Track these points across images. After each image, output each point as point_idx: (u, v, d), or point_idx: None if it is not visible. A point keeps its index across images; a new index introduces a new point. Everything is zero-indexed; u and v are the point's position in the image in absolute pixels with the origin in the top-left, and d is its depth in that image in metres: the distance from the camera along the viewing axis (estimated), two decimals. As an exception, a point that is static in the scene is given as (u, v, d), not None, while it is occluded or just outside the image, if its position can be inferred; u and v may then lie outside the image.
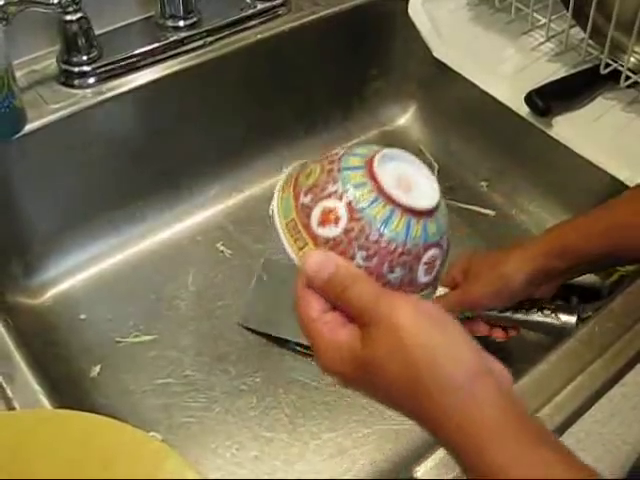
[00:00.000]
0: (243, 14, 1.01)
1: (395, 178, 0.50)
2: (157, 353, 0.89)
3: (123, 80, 0.93)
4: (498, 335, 0.83)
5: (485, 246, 1.00)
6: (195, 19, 0.98)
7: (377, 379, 0.47)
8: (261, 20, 1.03)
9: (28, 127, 0.87)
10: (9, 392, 0.65)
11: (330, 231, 0.50)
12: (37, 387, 0.67)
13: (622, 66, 0.91)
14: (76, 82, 0.92)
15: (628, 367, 0.68)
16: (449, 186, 1.07)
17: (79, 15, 0.88)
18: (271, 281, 0.96)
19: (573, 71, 0.96)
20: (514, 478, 0.43)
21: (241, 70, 1.02)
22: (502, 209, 1.05)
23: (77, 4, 0.86)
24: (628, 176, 0.86)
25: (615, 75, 0.92)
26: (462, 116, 1.08)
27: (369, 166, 0.51)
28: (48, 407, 0.65)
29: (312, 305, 0.50)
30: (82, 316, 0.92)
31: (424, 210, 0.50)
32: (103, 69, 0.92)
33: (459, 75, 1.00)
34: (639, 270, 0.86)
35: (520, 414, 0.45)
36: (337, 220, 0.49)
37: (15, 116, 0.86)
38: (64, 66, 0.91)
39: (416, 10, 1.05)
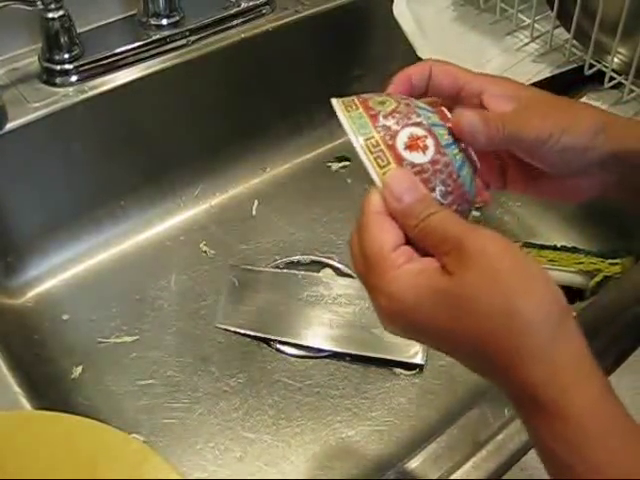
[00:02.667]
0: (226, 13, 1.01)
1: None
2: (139, 354, 0.89)
3: (105, 79, 0.92)
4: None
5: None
6: (178, 17, 0.98)
7: (463, 312, 0.43)
8: (245, 19, 1.02)
9: (9, 126, 0.86)
10: (-12, 394, 0.65)
11: (417, 157, 0.48)
12: (17, 389, 0.66)
13: (606, 67, 0.91)
14: (58, 80, 0.91)
15: (611, 369, 0.68)
16: (433, 187, 1.07)
17: (61, 13, 0.87)
18: (243, 287, 0.95)
19: (557, 71, 0.96)
20: (591, 425, 0.41)
21: (224, 69, 1.01)
22: (487, 210, 1.05)
23: (59, 2, 0.86)
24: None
25: (599, 76, 0.93)
26: (446, 116, 1.08)
27: (441, 112, 0.52)
28: (28, 408, 0.64)
29: (388, 232, 0.46)
30: (64, 317, 0.91)
31: (478, 168, 0.52)
32: (85, 67, 0.92)
33: (443, 75, 1.00)
34: (622, 272, 0.86)
35: (595, 365, 0.43)
36: (425, 148, 0.49)
37: (-5, 114, 0.85)
38: (46, 64, 0.91)
39: (400, 10, 1.05)
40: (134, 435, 0.80)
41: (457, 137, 0.50)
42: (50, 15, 0.87)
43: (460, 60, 0.98)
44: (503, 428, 0.62)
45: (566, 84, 0.95)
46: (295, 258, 0.99)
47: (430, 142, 0.49)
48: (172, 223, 1.03)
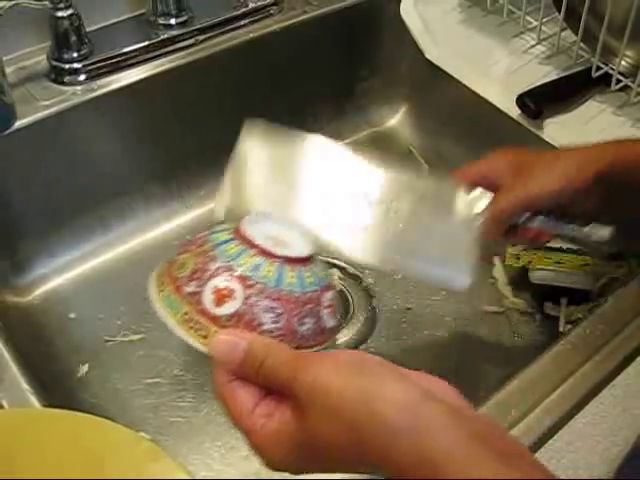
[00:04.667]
0: (235, 13, 1.01)
1: (268, 237, 0.51)
2: (146, 352, 0.89)
3: (114, 77, 0.93)
4: (544, 238, 0.78)
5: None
6: (186, 17, 0.98)
7: (321, 451, 0.45)
8: (253, 19, 1.03)
9: (17, 124, 0.87)
10: (-2, 392, 0.65)
11: (230, 306, 0.48)
12: (26, 386, 0.66)
13: (613, 69, 0.91)
14: (66, 79, 0.91)
15: (618, 370, 0.68)
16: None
17: (70, 12, 0.87)
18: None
19: (564, 74, 0.96)
20: None
21: (232, 69, 1.01)
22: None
23: (68, 1, 0.86)
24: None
25: (606, 78, 0.93)
26: (453, 118, 1.08)
27: (239, 234, 0.51)
28: (37, 406, 0.65)
29: (242, 401, 0.48)
30: (71, 315, 0.92)
31: (307, 257, 0.51)
32: (94, 66, 0.92)
33: (450, 77, 1.00)
34: (629, 273, 0.87)
35: (475, 430, 0.42)
36: (232, 293, 0.48)
37: (4, 112, 0.85)
38: (54, 63, 0.91)
39: (408, 11, 1.05)
40: (140, 433, 0.80)
41: (265, 251, 0.50)
42: (59, 14, 0.87)
43: (467, 61, 0.99)
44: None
45: (573, 86, 0.96)
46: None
47: (234, 284, 0.48)
48: (179, 222, 1.03)
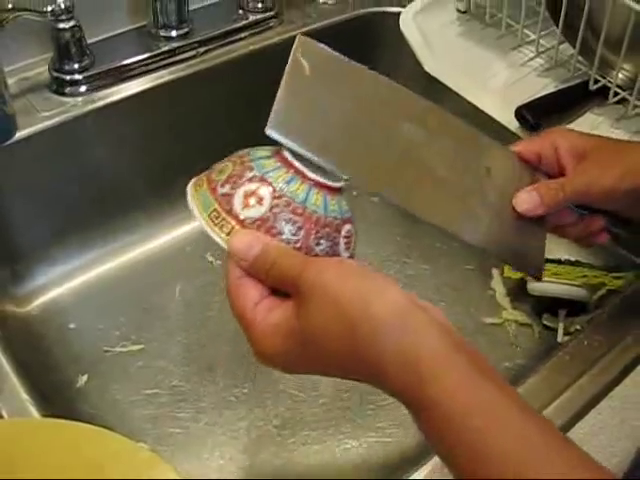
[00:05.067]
0: (235, 25, 1.02)
1: (306, 163, 0.54)
2: (145, 363, 0.89)
3: (114, 89, 0.93)
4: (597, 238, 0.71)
5: (472, 261, 1.00)
6: (187, 29, 0.98)
7: (316, 346, 0.47)
8: (253, 31, 1.03)
9: (18, 135, 0.87)
10: (-3, 402, 0.65)
11: (256, 211, 0.52)
12: (25, 396, 0.67)
13: (610, 82, 0.92)
14: (67, 90, 0.92)
15: (616, 381, 0.68)
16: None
17: (72, 23, 0.87)
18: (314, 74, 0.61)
19: (562, 86, 0.96)
20: (454, 410, 0.43)
21: (233, 81, 1.02)
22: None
23: (70, 12, 0.86)
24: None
25: (604, 91, 0.93)
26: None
27: (279, 154, 0.55)
28: (36, 416, 0.65)
29: (248, 295, 0.51)
30: (70, 325, 0.92)
31: (336, 188, 0.55)
32: (94, 78, 0.92)
33: (449, 89, 1.00)
34: (627, 285, 0.87)
35: (458, 343, 0.46)
36: (260, 200, 0.52)
37: (6, 123, 0.86)
38: (56, 74, 0.91)
39: (407, 24, 1.05)
40: (139, 444, 0.80)
41: (298, 171, 0.54)
42: (61, 26, 0.87)
43: (466, 74, 1.00)
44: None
45: (571, 99, 0.96)
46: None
47: (265, 191, 0.52)
48: (179, 234, 1.03)
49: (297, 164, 0.54)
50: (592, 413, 0.66)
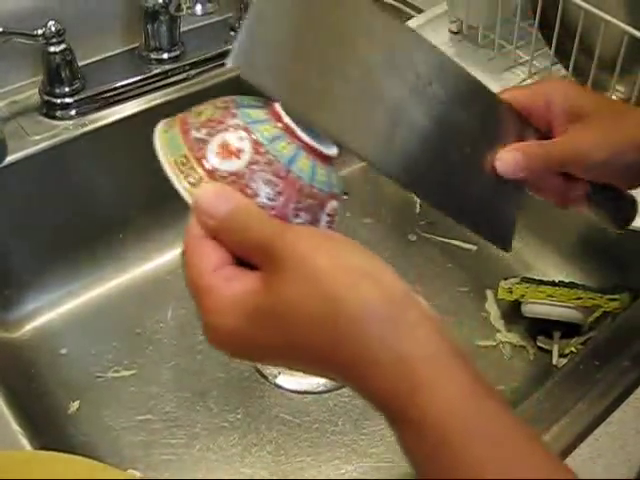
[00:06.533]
0: (226, 47, 1.02)
1: (298, 121, 0.47)
2: (137, 389, 0.88)
3: (106, 112, 0.93)
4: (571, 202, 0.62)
5: (466, 282, 1.00)
6: (179, 52, 0.98)
7: (286, 327, 0.39)
8: (245, 53, 1.03)
9: (9, 158, 0.86)
10: (-14, 431, 0.64)
11: (231, 164, 0.44)
12: (16, 426, 0.66)
13: (604, 103, 0.92)
14: (58, 113, 0.91)
15: (614, 406, 0.68)
16: (430, 221, 1.08)
17: (63, 47, 0.87)
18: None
19: (555, 108, 0.96)
20: (451, 428, 0.37)
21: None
22: (484, 244, 1.05)
23: (61, 35, 0.86)
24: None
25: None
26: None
27: (271, 106, 0.47)
28: (27, 446, 0.64)
29: (207, 258, 0.42)
30: (62, 351, 0.91)
31: (328, 156, 0.47)
32: (85, 101, 0.92)
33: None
34: (621, 307, 0.87)
35: (457, 348, 0.39)
36: (239, 152, 0.45)
37: (-4, 147, 0.85)
38: (46, 97, 0.91)
39: (399, 45, 1.06)
40: (131, 471, 0.79)
41: (288, 128, 0.46)
42: (52, 49, 0.87)
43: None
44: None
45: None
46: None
47: (246, 144, 0.45)
48: (171, 256, 1.02)
49: (288, 120, 0.46)
50: (590, 439, 0.66)
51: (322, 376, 0.42)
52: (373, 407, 0.40)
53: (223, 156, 0.44)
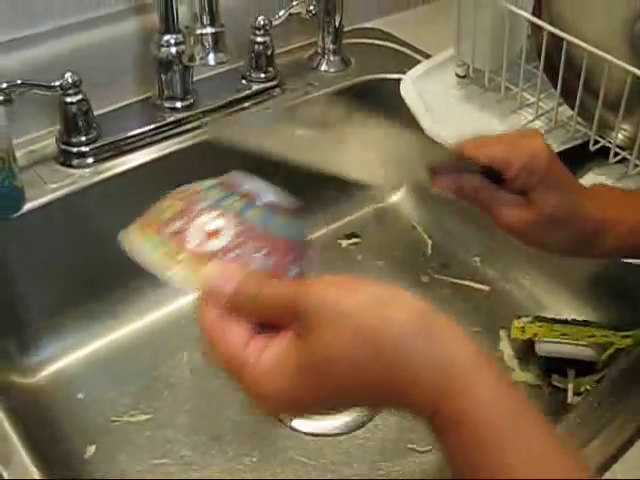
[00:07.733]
0: (239, 95, 1.04)
1: (256, 187, 0.50)
2: (153, 433, 0.88)
3: (121, 160, 0.95)
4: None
5: (479, 322, 1.00)
6: (192, 100, 1.00)
7: (336, 372, 0.41)
8: (256, 101, 1.05)
9: (27, 206, 0.88)
10: (5, 475, 0.64)
11: (215, 244, 0.46)
12: (33, 469, 0.66)
13: (611, 142, 0.93)
14: (74, 162, 0.93)
15: (629, 443, 0.67)
16: (442, 263, 1.08)
17: (79, 97, 0.89)
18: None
19: (563, 148, 0.97)
20: (483, 421, 0.40)
21: (237, 149, 1.03)
22: (496, 284, 1.06)
23: (77, 86, 0.88)
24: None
25: (604, 151, 0.94)
26: (455, 192, 1.09)
27: (226, 182, 0.51)
28: (44, 490, 0.64)
29: (233, 336, 0.43)
30: (78, 395, 0.91)
31: (295, 208, 0.51)
32: (101, 150, 0.94)
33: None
34: (634, 344, 0.86)
35: (480, 350, 0.43)
36: (218, 231, 0.47)
37: (14, 196, 0.87)
38: (63, 146, 0.93)
39: (407, 89, 1.07)
40: (147, 516, 0.79)
41: (251, 195, 0.49)
42: (68, 100, 0.89)
43: (467, 137, 1.01)
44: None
45: (572, 160, 0.97)
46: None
47: (220, 221, 0.47)
48: (186, 301, 1.03)
49: (247, 187, 0.50)
50: (607, 475, 0.65)
51: (373, 405, 0.46)
52: (422, 420, 0.42)
53: (207, 238, 0.46)
